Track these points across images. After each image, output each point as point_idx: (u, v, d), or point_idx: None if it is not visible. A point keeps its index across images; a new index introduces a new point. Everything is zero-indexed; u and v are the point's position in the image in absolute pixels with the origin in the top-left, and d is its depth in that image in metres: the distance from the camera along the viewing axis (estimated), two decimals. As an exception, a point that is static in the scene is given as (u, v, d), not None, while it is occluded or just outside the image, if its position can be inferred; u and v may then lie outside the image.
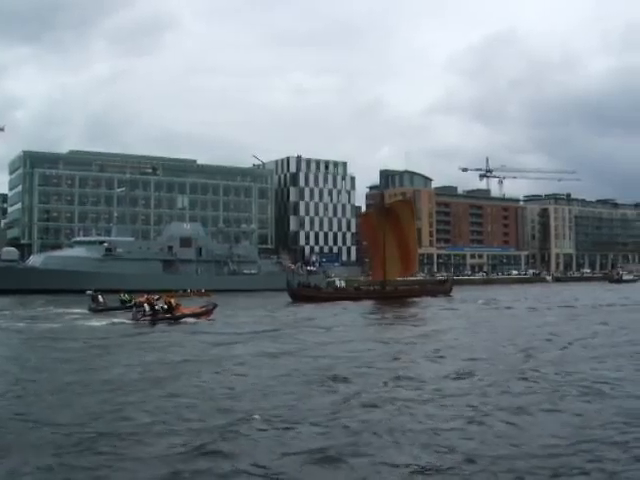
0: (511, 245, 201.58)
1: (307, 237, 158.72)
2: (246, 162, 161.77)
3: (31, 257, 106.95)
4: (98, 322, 40.53)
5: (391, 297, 72.25)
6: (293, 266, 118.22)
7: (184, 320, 40.95)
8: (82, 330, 36.82)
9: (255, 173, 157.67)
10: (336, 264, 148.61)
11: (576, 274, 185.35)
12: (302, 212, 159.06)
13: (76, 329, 37.54)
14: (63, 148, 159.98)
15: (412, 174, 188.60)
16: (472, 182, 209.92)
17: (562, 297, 73.90)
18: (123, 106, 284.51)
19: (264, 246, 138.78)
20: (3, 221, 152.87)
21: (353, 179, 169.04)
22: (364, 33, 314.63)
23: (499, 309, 57.10)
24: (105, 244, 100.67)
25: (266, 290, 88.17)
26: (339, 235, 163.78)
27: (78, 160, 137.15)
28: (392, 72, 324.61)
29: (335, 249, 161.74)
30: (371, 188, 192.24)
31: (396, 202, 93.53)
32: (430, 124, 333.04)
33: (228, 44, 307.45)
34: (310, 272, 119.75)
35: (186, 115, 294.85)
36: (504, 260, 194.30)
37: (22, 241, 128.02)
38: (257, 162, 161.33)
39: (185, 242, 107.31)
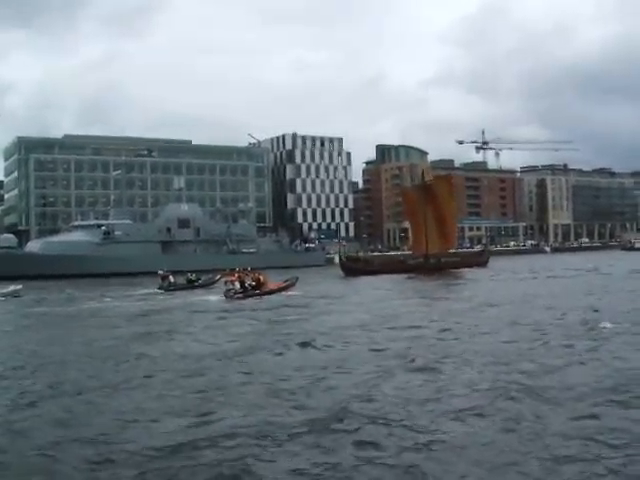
0: (509, 217, 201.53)
1: (305, 214, 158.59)
2: (242, 141, 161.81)
3: (29, 243, 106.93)
4: (198, 298, 42.70)
5: (434, 269, 73.94)
6: (344, 243, 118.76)
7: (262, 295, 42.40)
8: (200, 305, 38.60)
9: (251, 152, 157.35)
10: (334, 240, 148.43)
11: (574, 244, 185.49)
12: (299, 189, 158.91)
13: (194, 304, 38.95)
14: (57, 133, 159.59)
15: (408, 148, 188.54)
16: (469, 155, 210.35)
17: (586, 265, 74.04)
18: (117, 88, 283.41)
19: (262, 224, 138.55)
20: (0, 208, 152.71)
21: (349, 155, 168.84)
22: (363, 7, 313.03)
23: (556, 278, 57.46)
24: (103, 227, 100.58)
25: (266, 268, 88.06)
26: (337, 211, 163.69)
27: (73, 144, 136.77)
28: (389, 47, 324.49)
29: (333, 225, 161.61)
30: (367, 163, 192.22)
31: (435, 178, 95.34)
32: (426, 97, 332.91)
33: (222, 23, 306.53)
34: (309, 249, 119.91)
35: (180, 96, 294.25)
36: (502, 232, 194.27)
37: (20, 227, 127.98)
38: (253, 140, 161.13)
39: (183, 223, 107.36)
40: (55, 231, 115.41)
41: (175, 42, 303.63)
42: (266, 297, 41.52)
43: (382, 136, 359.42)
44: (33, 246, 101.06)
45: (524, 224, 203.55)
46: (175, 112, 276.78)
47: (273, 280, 47.00)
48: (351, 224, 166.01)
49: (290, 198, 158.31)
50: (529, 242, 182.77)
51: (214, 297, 42.54)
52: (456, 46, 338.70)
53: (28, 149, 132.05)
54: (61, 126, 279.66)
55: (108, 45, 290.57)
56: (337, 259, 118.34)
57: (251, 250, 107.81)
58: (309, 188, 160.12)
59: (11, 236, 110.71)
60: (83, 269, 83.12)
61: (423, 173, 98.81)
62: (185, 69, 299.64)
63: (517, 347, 19.30)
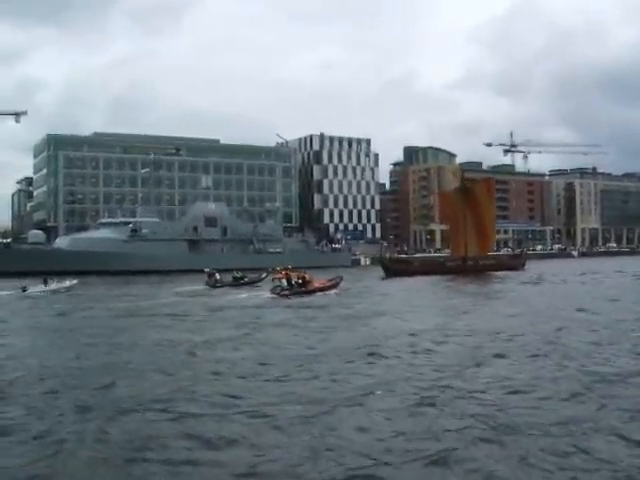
0: (536, 220, 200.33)
1: (331, 215, 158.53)
2: (269, 141, 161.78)
3: (57, 239, 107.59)
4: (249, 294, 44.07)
5: (472, 270, 74.59)
6: (386, 244, 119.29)
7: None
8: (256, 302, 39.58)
9: (279, 151, 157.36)
10: (361, 241, 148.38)
11: (602, 249, 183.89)
12: (326, 190, 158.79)
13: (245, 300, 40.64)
14: (86, 130, 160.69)
15: (436, 150, 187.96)
16: (496, 157, 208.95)
17: (622, 268, 75.71)
18: (145, 87, 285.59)
19: (289, 224, 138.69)
20: (29, 204, 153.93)
21: (377, 156, 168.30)
22: (391, 7, 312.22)
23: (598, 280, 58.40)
24: (130, 225, 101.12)
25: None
26: (363, 212, 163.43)
27: (102, 142, 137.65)
28: (417, 47, 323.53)
29: (359, 226, 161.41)
30: (395, 165, 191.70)
31: (476, 181, 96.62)
32: (454, 98, 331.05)
33: (250, 21, 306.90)
34: (335, 250, 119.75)
35: (208, 95, 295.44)
36: (529, 235, 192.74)
37: (48, 223, 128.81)
38: (280, 140, 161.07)
39: (210, 222, 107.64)
40: (83, 228, 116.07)
41: (203, 41, 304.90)
42: (309, 295, 42.61)
43: (410, 137, 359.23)
44: (61, 242, 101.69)
45: (551, 228, 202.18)
46: (203, 111, 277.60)
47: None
48: (377, 225, 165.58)
49: (317, 199, 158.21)
50: (556, 246, 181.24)
51: (262, 294, 43.35)
52: (484, 46, 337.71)
53: (57, 146, 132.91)
54: (90, 124, 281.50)
55: (136, 43, 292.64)
56: (363, 260, 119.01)
57: (277, 250, 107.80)
58: (336, 189, 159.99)
59: (40, 232, 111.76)
60: (110, 266, 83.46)
61: (463, 176, 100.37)
62: (213, 68, 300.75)
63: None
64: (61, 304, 40.79)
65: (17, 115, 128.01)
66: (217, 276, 54.72)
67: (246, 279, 55.64)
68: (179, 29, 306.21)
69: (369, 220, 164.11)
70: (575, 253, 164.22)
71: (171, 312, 34.09)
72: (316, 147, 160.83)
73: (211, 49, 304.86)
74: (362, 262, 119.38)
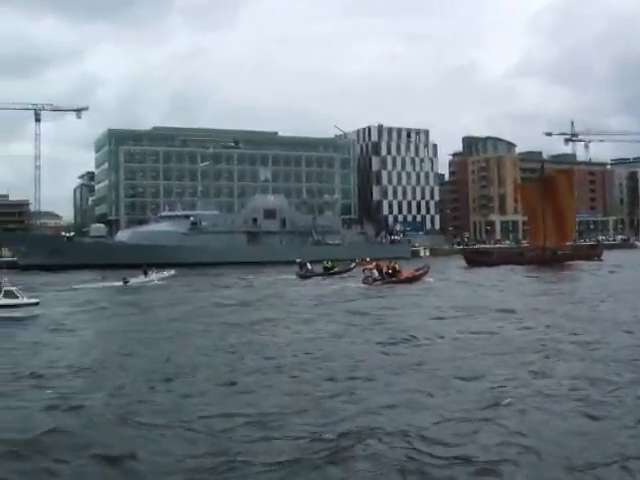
0: (598, 210, 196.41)
1: (390, 206, 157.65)
2: (328, 132, 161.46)
3: (119, 232, 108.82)
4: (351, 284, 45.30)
5: (551, 261, 75.51)
6: (467, 235, 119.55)
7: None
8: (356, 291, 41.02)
9: (337, 143, 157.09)
10: (420, 233, 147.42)
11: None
12: (385, 181, 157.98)
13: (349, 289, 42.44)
14: (145, 125, 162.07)
15: (495, 140, 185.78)
16: (557, 147, 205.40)
17: None
18: (203, 81, 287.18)
19: (347, 216, 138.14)
20: (91, 198, 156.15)
21: (435, 147, 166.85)
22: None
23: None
24: (191, 218, 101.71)
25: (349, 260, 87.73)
26: (422, 204, 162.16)
27: (161, 136, 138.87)
28: (475, 38, 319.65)
29: (418, 218, 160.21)
30: (454, 155, 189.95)
31: (555, 172, 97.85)
32: (513, 88, 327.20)
33: (308, 15, 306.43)
34: (394, 241, 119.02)
35: (266, 88, 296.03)
36: (591, 226, 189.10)
37: (109, 217, 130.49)
38: (339, 132, 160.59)
39: (269, 214, 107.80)
40: (144, 221, 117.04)
41: (260, 35, 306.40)
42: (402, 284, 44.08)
43: (469, 128, 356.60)
44: (122, 236, 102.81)
45: (614, 218, 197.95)
46: (261, 104, 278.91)
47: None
48: (437, 217, 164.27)
49: (376, 190, 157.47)
50: (619, 237, 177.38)
51: (353, 284, 44.87)
52: (543, 34, 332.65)
53: (118, 141, 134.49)
54: (149, 118, 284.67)
55: (193, 38, 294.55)
56: (423, 252, 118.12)
57: (336, 242, 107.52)
58: (395, 180, 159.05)
59: (101, 226, 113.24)
60: (170, 259, 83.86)
61: (543, 166, 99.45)
62: (270, 62, 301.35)
63: None
64: (181, 293, 43.62)
65: (78, 111, 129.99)
66: (308, 266, 56.66)
67: (336, 269, 57.04)
68: (236, 24, 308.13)
69: (428, 211, 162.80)
70: (639, 243, 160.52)
71: (288, 302, 35.64)
72: (374, 138, 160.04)
73: (268, 43, 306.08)
74: (421, 253, 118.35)
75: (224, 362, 17.70)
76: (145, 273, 54.35)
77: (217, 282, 54.10)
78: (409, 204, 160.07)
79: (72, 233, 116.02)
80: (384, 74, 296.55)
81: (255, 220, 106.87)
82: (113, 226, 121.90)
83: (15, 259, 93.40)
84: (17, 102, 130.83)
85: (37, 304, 30.60)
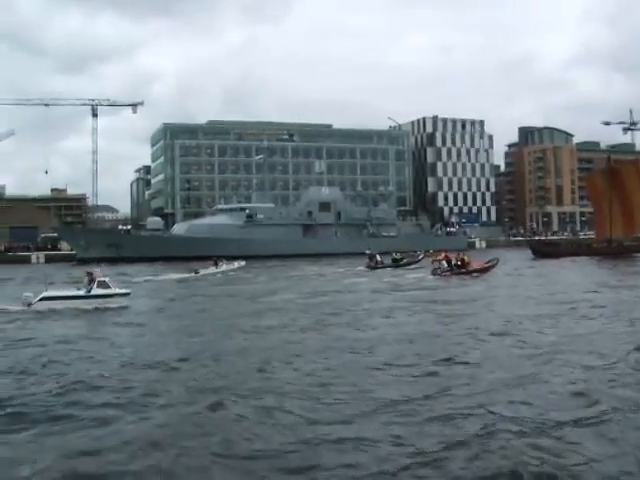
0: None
1: (446, 198, 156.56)
2: (382, 124, 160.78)
3: (175, 226, 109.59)
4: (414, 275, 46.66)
5: (617, 252, 75.03)
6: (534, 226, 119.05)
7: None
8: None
9: (391, 135, 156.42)
10: (476, 225, 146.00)
11: None
12: (440, 173, 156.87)
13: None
14: (200, 118, 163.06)
15: (552, 130, 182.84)
16: (615, 136, 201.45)
17: None
18: (257, 74, 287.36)
19: (403, 208, 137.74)
20: (147, 192, 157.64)
21: (491, 137, 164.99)
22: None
23: None
24: (246, 211, 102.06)
25: (406, 252, 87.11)
26: (478, 195, 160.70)
27: (216, 130, 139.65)
28: (531, 27, 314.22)
29: (474, 209, 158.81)
30: (510, 146, 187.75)
31: (622, 163, 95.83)
32: (570, 77, 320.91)
33: (362, 6, 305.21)
34: (449, 233, 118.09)
35: (320, 80, 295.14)
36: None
37: (166, 210, 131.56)
38: (393, 124, 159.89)
39: (324, 206, 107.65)
40: (199, 214, 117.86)
41: (313, 27, 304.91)
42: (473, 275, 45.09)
43: (524, 118, 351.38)
44: (179, 229, 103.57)
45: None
46: (315, 96, 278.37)
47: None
48: (492, 208, 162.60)
49: (431, 182, 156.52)
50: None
51: (422, 275, 45.98)
52: (600, 22, 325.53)
53: (173, 135, 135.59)
54: (203, 112, 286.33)
55: (248, 31, 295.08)
56: (479, 244, 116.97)
57: (391, 234, 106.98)
58: (450, 171, 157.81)
59: (158, 219, 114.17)
60: (226, 251, 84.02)
61: (609, 158, 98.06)
62: (324, 54, 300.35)
63: None
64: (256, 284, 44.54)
65: (134, 106, 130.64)
66: (378, 258, 57.30)
67: (405, 260, 57.78)
68: (289, 17, 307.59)
69: (484, 203, 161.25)
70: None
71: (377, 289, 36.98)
72: (429, 129, 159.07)
73: (322, 35, 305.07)
74: (477, 245, 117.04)
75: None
76: (216, 264, 56.64)
77: (289, 273, 54.61)
78: (464, 195, 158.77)
79: (129, 226, 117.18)
80: (438, 65, 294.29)
81: (310, 213, 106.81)
82: (169, 219, 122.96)
83: (73, 252, 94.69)
84: (75, 98, 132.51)
85: (129, 294, 31.40)
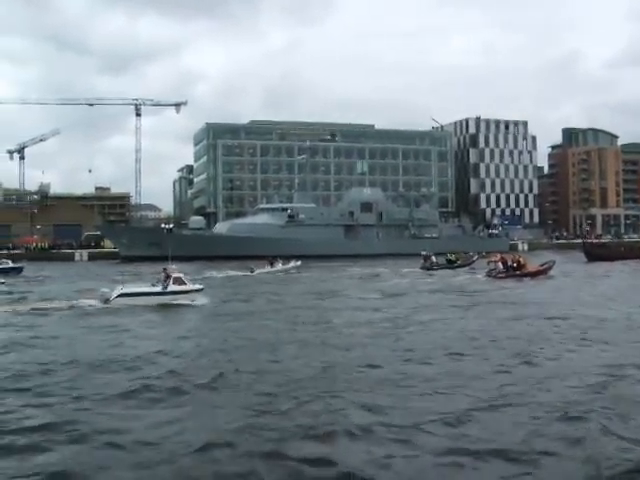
0: None
1: (488, 199, 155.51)
2: (424, 125, 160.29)
3: (217, 225, 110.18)
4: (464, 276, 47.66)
5: None
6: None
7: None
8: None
9: (434, 135, 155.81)
10: (518, 227, 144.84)
11: None
12: (482, 174, 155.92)
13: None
14: (242, 118, 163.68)
15: (596, 131, 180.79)
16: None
17: None
18: (298, 74, 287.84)
19: (445, 209, 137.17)
20: (190, 191, 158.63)
21: (534, 139, 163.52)
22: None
23: None
24: (288, 211, 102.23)
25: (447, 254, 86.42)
26: (521, 197, 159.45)
27: (259, 130, 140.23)
28: (574, 27, 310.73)
29: (517, 211, 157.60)
30: (553, 147, 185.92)
31: None
32: (614, 78, 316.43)
33: (404, 7, 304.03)
34: (491, 235, 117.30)
35: (362, 81, 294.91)
36: None
37: (208, 210, 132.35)
38: (435, 124, 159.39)
39: (366, 207, 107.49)
40: (241, 213, 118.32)
41: (355, 28, 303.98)
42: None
43: (568, 119, 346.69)
44: (220, 228, 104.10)
45: None
46: (357, 97, 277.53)
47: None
48: (535, 210, 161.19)
49: (473, 183, 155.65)
50: None
51: (478, 276, 46.56)
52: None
53: (216, 135, 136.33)
54: (245, 112, 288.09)
55: (289, 32, 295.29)
56: (521, 246, 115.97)
57: (433, 235, 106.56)
58: (493, 173, 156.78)
59: (200, 218, 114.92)
60: (267, 251, 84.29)
61: None
62: (366, 54, 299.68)
63: None
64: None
65: (177, 106, 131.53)
66: (433, 259, 58.32)
67: (459, 262, 57.99)
68: (331, 17, 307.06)
69: (527, 205, 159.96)
70: None
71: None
72: (472, 130, 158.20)
73: (364, 36, 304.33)
74: (519, 248, 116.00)
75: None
76: (271, 264, 57.96)
77: (342, 273, 55.30)
78: (507, 197, 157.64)
79: (171, 225, 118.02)
80: (482, 65, 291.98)
81: (352, 213, 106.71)
82: (211, 218, 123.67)
83: (116, 250, 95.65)
84: (119, 97, 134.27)
85: (202, 290, 32.51)
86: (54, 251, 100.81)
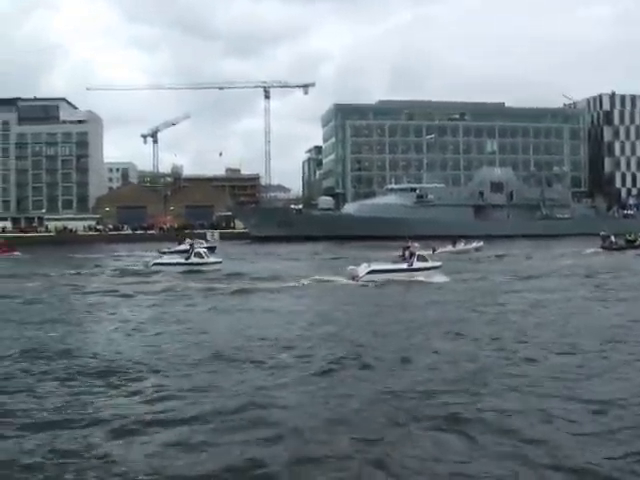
0: None
1: (623, 179, 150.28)
2: (556, 102, 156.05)
3: (346, 205, 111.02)
4: None
5: None
6: None
7: None
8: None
9: (566, 113, 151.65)
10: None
11: None
12: (617, 152, 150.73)
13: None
14: (369, 99, 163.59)
15: None
16: None
17: None
18: (425, 53, 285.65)
19: (577, 189, 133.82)
20: (318, 172, 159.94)
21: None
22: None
23: None
24: (417, 191, 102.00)
25: (579, 235, 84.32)
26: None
27: (386, 110, 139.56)
28: None
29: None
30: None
31: None
32: None
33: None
34: (627, 216, 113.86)
35: (490, 58, 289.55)
36: None
37: (336, 190, 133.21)
38: (567, 101, 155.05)
39: (496, 187, 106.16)
40: (370, 194, 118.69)
41: (482, 5, 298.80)
42: None
43: None
44: (349, 208, 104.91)
45: None
46: (486, 75, 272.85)
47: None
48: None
49: (608, 162, 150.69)
50: None
51: None
52: None
53: (344, 116, 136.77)
54: (372, 92, 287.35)
55: (414, 11, 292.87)
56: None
57: (565, 216, 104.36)
58: (629, 151, 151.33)
59: (329, 199, 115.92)
60: (395, 231, 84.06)
61: None
62: (494, 31, 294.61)
63: None
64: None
65: (305, 87, 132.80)
66: (612, 238, 57.86)
67: (638, 241, 58.29)
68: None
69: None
70: None
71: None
72: (606, 107, 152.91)
73: (491, 11, 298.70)
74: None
75: None
76: (454, 243, 59.76)
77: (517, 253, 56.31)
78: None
79: (301, 206, 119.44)
80: (615, 38, 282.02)
81: (481, 193, 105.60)
82: (340, 199, 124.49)
83: (246, 230, 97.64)
84: (248, 80, 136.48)
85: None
86: (187, 231, 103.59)
